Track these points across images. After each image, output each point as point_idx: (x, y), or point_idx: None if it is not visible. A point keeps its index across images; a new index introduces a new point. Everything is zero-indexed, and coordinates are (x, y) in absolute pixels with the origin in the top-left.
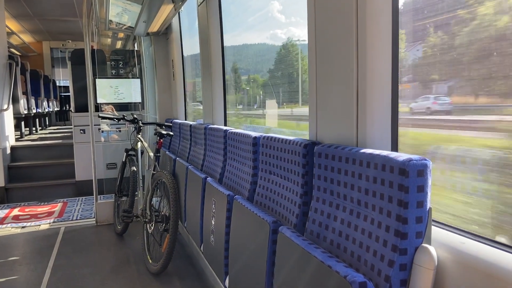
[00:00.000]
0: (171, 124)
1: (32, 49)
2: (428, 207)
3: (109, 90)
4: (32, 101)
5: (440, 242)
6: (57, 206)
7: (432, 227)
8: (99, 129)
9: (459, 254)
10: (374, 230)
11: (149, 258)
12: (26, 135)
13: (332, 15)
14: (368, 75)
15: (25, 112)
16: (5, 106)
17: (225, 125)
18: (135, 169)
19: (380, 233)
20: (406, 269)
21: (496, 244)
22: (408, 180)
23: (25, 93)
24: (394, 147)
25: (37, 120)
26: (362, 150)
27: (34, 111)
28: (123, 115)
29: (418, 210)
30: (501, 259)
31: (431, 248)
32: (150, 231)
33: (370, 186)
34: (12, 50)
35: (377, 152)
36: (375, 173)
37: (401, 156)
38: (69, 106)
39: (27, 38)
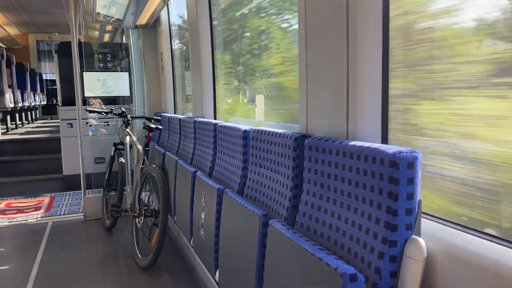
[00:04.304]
0: (160, 118)
1: (17, 41)
2: (418, 199)
3: (96, 84)
4: (18, 95)
5: (430, 234)
6: (45, 201)
7: (422, 219)
8: (86, 123)
9: (448, 245)
10: (364, 223)
11: (138, 252)
12: (12, 129)
13: (323, 6)
14: (359, 67)
15: (11, 106)
16: None
17: (215, 118)
18: (124, 163)
19: (370, 225)
20: (396, 260)
21: (484, 235)
22: (399, 172)
23: (11, 86)
24: (384, 140)
25: (23, 114)
26: (352, 143)
27: (20, 104)
28: (111, 109)
29: (408, 202)
30: (489, 250)
31: (421, 240)
32: (139, 225)
33: (360, 178)
34: None
35: (367, 144)
36: (366, 165)
37: (391, 148)
38: (56, 100)
39: (12, 30)
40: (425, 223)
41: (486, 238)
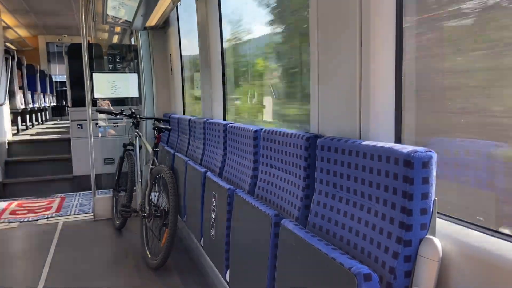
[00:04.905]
0: (169, 119)
1: (28, 43)
2: (433, 199)
3: (106, 85)
4: (29, 96)
5: (445, 234)
6: (55, 201)
7: (437, 218)
8: (96, 124)
9: (464, 245)
10: (378, 222)
11: (148, 252)
12: (22, 130)
13: (335, 4)
14: (372, 66)
15: (22, 107)
16: (2, 101)
17: (225, 119)
18: (133, 164)
19: (384, 225)
20: (411, 260)
21: (500, 234)
22: (413, 172)
23: (21, 87)
24: (398, 139)
25: (33, 115)
26: (366, 142)
27: (31, 106)
28: (121, 110)
29: (423, 201)
30: (505, 249)
31: (436, 240)
32: (149, 225)
33: (374, 178)
34: (8, 44)
35: (381, 144)
36: (379, 165)
37: (405, 148)
38: (66, 101)
39: (22, 32)
40: (440, 223)
41: (501, 238)
